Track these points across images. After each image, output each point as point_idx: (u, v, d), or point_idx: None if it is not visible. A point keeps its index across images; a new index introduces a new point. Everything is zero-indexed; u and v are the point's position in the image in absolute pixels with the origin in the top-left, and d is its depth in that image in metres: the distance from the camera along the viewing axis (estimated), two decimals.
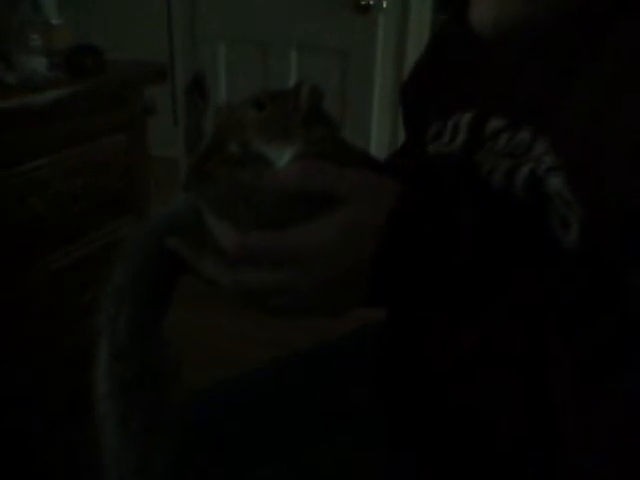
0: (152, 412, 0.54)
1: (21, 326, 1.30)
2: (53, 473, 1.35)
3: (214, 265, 0.50)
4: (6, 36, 1.29)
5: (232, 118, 0.53)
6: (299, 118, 0.53)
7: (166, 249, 0.52)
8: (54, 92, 1.26)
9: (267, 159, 0.52)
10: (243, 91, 1.95)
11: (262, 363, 0.81)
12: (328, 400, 0.76)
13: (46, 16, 1.44)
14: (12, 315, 1.27)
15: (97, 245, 1.48)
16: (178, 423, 0.56)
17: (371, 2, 1.91)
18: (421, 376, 0.57)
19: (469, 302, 0.48)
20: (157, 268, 0.55)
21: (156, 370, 0.54)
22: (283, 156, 0.51)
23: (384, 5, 1.92)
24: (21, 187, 1.25)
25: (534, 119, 0.51)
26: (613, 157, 0.43)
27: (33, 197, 1.28)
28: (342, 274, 0.49)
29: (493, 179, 0.53)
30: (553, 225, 0.48)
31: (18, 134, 1.21)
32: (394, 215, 0.48)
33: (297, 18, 2.05)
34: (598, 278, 0.45)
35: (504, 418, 0.47)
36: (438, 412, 0.56)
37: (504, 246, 0.50)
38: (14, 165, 1.22)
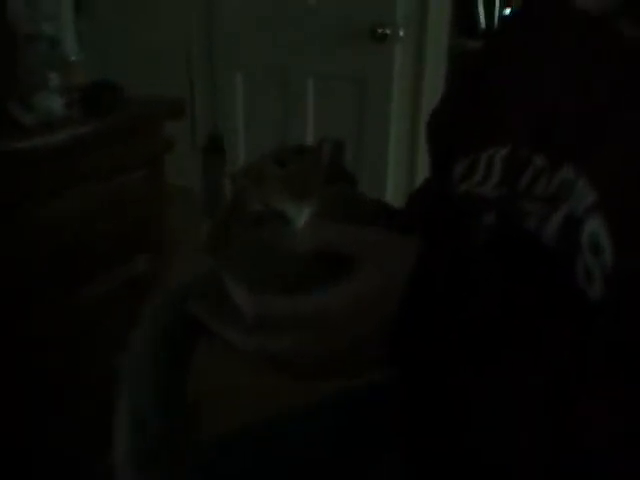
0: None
1: (39, 360, 1.30)
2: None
3: (234, 330, 0.49)
4: (23, 76, 1.30)
5: (252, 176, 0.53)
6: (319, 176, 0.52)
7: (186, 314, 0.51)
8: (71, 131, 1.27)
9: (286, 217, 0.51)
10: (260, 120, 1.96)
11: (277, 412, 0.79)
12: (343, 453, 0.74)
13: (64, 53, 1.46)
14: (30, 348, 1.27)
15: (117, 282, 1.47)
16: None
17: (387, 31, 1.91)
18: (444, 422, 0.54)
19: (493, 359, 0.46)
20: (177, 333, 0.54)
21: (177, 439, 0.54)
22: (302, 215, 0.51)
23: (401, 34, 1.92)
24: (39, 225, 1.25)
25: (576, 155, 0.49)
26: None
27: (50, 235, 1.28)
28: (361, 338, 0.48)
29: (529, 227, 0.51)
30: (578, 277, 0.46)
31: (35, 173, 1.22)
32: (414, 277, 0.47)
33: (314, 47, 2.05)
34: (627, 336, 0.43)
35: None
36: (463, 462, 0.54)
37: (531, 301, 0.48)
38: (32, 204, 1.23)
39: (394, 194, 2.03)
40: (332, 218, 0.50)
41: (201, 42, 2.31)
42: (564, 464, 0.43)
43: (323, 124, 2.13)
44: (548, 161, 0.51)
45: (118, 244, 1.46)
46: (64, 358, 1.35)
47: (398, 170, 2.05)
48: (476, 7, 2.29)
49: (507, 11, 2.31)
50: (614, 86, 0.49)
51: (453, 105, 0.72)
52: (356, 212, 0.52)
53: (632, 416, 0.42)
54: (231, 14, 2.20)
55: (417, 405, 0.63)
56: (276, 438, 0.76)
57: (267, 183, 0.52)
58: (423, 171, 1.78)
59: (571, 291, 0.46)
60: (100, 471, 0.58)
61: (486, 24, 2.33)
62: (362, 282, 0.47)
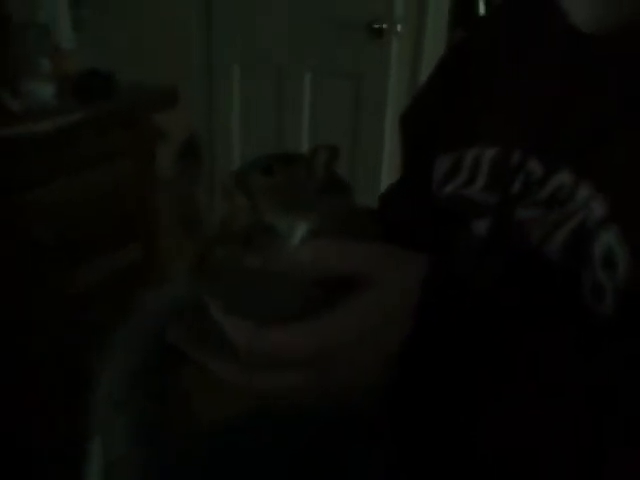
0: None
1: (28, 352, 1.31)
2: None
3: (223, 363, 0.43)
4: (13, 62, 1.30)
5: (238, 187, 0.48)
6: (313, 187, 0.47)
7: (165, 342, 0.45)
8: (59, 119, 1.27)
9: (278, 232, 0.46)
10: (257, 113, 1.93)
11: None
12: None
13: (57, 41, 1.46)
14: (19, 341, 1.28)
15: (107, 270, 1.48)
16: None
17: (384, 26, 1.90)
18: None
19: (500, 382, 0.43)
20: (155, 367, 0.49)
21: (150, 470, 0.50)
22: (296, 230, 0.46)
23: (398, 29, 1.91)
24: (26, 214, 1.26)
25: (574, 159, 0.46)
26: None
27: (38, 223, 1.28)
28: (369, 367, 0.43)
29: (530, 241, 0.48)
30: (585, 293, 0.43)
31: (23, 161, 1.22)
32: (424, 294, 0.42)
33: (311, 42, 2.04)
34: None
35: None
36: None
37: (534, 318, 0.45)
38: (19, 192, 1.23)
39: None
40: (334, 236, 0.45)
41: (200, 36, 2.30)
42: None
43: (319, 120, 2.12)
44: (543, 166, 0.49)
45: (108, 233, 1.47)
46: (52, 346, 1.35)
47: (392, 167, 2.04)
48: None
49: None
50: (614, 99, 0.46)
51: (434, 97, 0.68)
52: (358, 228, 0.48)
53: None
54: (229, 6, 2.19)
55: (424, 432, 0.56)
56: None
57: (255, 195, 0.47)
58: None
59: (578, 307, 0.44)
60: None
61: None
62: (369, 305, 0.42)
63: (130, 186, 1.51)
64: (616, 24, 0.47)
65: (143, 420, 0.48)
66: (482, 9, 2.25)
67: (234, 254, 0.46)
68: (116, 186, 1.47)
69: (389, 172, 2.02)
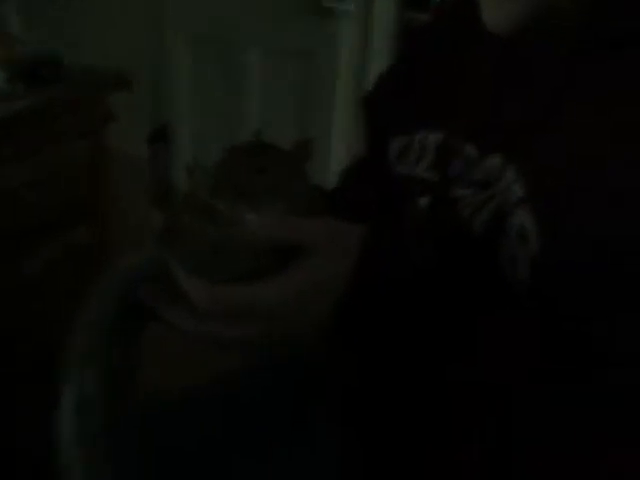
0: (119, 456, 0.55)
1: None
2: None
3: (184, 317, 0.50)
4: None
5: (224, 175, 0.53)
6: (302, 186, 0.54)
7: (135, 300, 0.52)
8: (11, 105, 1.28)
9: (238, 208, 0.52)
10: (208, 93, 1.92)
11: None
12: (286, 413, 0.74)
13: (5, 27, 1.46)
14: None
15: (59, 251, 1.50)
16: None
17: (334, 4, 1.92)
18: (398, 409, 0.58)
19: (435, 350, 0.51)
20: (124, 321, 0.54)
21: (120, 418, 0.55)
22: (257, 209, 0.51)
23: (348, 7, 1.93)
24: None
25: (506, 145, 0.51)
26: (591, 201, 0.44)
27: None
28: (303, 324, 0.51)
29: (462, 215, 0.54)
30: (503, 261, 0.49)
31: None
32: (358, 266, 0.49)
33: (262, 19, 2.05)
34: (553, 323, 0.47)
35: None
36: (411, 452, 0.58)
37: (464, 286, 0.51)
38: None
39: (337, 169, 2.05)
40: (291, 211, 0.51)
41: (150, 11, 2.29)
42: None
43: (270, 98, 2.14)
44: (478, 150, 0.54)
45: (59, 215, 1.48)
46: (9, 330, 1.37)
47: (341, 141, 2.07)
48: None
49: None
50: (549, 92, 0.51)
51: (392, 82, 0.73)
52: (310, 204, 0.54)
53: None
54: None
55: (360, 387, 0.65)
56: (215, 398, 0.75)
57: (248, 186, 0.51)
58: None
59: (497, 273, 0.49)
60: None
61: None
62: (308, 271, 0.49)
63: (80, 168, 1.52)
64: (518, 24, 0.52)
65: (108, 376, 0.54)
66: None
67: (198, 224, 0.51)
68: (66, 168, 1.49)
69: (338, 149, 2.06)
